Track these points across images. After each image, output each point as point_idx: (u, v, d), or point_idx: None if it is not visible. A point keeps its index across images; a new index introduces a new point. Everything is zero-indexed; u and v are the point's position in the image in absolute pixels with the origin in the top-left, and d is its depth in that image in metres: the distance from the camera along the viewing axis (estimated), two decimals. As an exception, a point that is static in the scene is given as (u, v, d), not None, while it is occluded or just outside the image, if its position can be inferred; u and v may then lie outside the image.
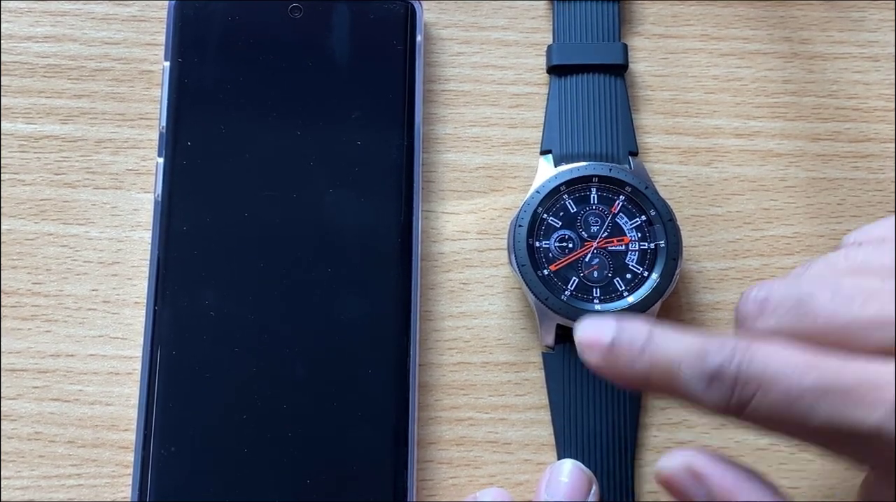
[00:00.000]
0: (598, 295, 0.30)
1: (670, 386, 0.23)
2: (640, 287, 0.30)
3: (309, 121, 0.31)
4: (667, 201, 0.31)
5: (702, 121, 0.33)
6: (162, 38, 0.33)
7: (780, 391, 0.21)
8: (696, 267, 0.32)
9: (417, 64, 0.32)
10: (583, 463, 0.29)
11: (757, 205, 0.32)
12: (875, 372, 0.21)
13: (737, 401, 0.22)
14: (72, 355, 0.31)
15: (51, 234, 0.32)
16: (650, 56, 0.34)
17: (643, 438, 0.30)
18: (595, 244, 0.30)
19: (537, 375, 0.31)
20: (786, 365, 0.21)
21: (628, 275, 0.30)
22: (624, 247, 0.30)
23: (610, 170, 0.31)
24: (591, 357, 0.24)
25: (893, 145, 0.33)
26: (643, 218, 0.31)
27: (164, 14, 0.32)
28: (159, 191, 0.30)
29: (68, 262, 0.31)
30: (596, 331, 0.24)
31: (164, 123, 0.31)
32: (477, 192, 0.33)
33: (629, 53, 0.33)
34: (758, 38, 0.34)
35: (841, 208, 0.32)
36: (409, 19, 0.32)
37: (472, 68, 0.34)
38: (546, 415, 0.31)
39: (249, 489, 0.28)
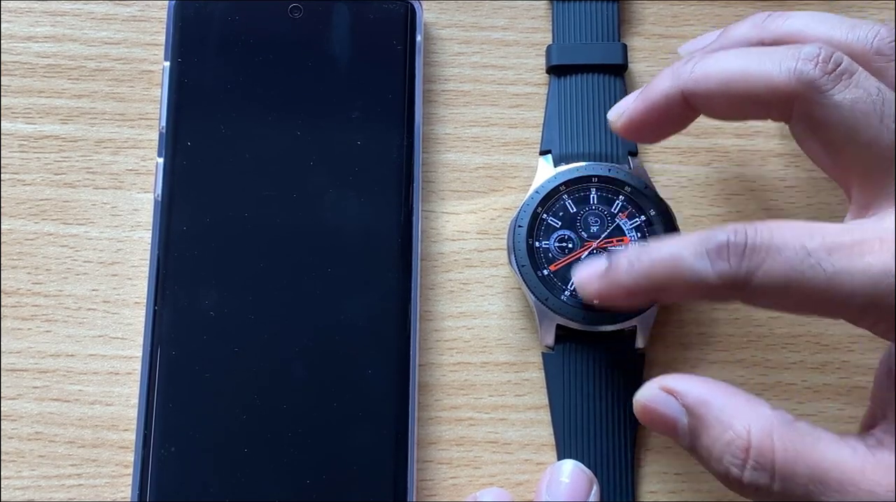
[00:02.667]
0: (598, 295, 0.30)
1: (674, 275, 0.24)
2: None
3: (309, 121, 0.31)
4: (667, 201, 0.31)
5: (702, 121, 0.33)
6: (162, 38, 0.33)
7: (789, 254, 0.22)
8: (695, 267, 0.32)
9: (417, 64, 0.32)
10: (583, 463, 0.29)
11: (757, 205, 0.32)
12: (875, 231, 0.22)
13: (745, 271, 0.23)
14: (72, 355, 0.31)
15: (51, 234, 0.32)
16: (650, 56, 0.34)
17: (643, 438, 0.30)
18: (595, 244, 0.30)
19: (537, 375, 0.31)
20: (792, 231, 0.23)
21: (628, 275, 0.30)
22: (624, 247, 0.30)
23: (609, 170, 0.31)
24: (590, 287, 0.26)
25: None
26: (643, 218, 0.31)
27: (164, 14, 0.32)
28: (159, 191, 0.30)
29: (68, 262, 0.31)
30: (590, 266, 0.26)
31: (164, 123, 0.31)
32: (477, 192, 0.33)
33: (629, 53, 0.33)
34: (758, 38, 0.34)
35: (841, 208, 0.32)
36: (408, 19, 0.32)
37: (472, 68, 0.34)
38: (546, 415, 0.31)
39: (249, 489, 0.28)
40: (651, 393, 0.25)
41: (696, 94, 0.26)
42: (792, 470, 0.22)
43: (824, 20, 0.26)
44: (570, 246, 0.30)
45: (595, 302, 0.26)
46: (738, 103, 0.25)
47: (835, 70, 0.24)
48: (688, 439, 0.24)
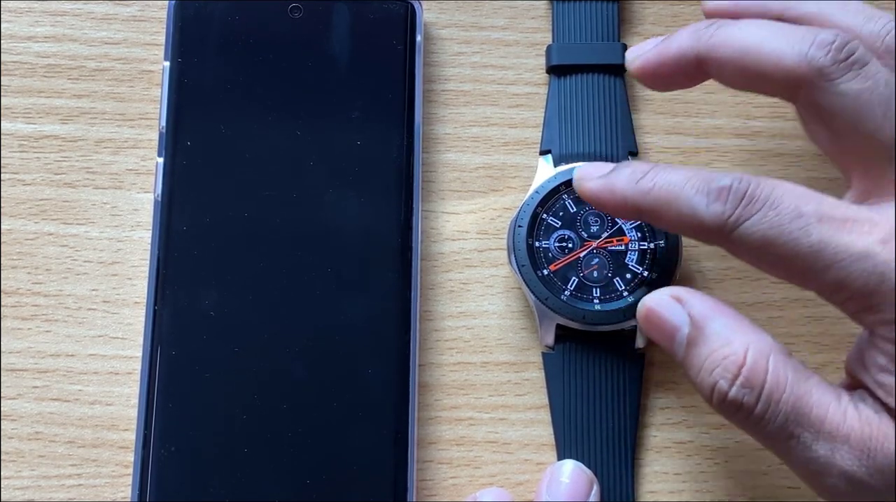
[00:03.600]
0: (598, 295, 0.30)
1: (670, 203, 0.24)
2: (640, 287, 0.30)
3: (309, 121, 0.31)
4: (667, 201, 0.31)
5: (702, 121, 0.33)
6: (162, 38, 0.33)
7: (783, 211, 0.23)
8: (695, 267, 0.32)
9: (417, 64, 0.32)
10: (583, 463, 0.29)
11: (757, 205, 0.32)
12: (869, 213, 0.23)
13: (737, 217, 0.23)
14: (72, 355, 0.31)
15: (51, 234, 0.32)
16: (650, 56, 0.34)
17: (643, 438, 0.30)
18: (595, 244, 0.30)
19: (537, 375, 0.31)
20: (791, 192, 0.23)
21: (628, 275, 0.30)
22: (624, 247, 0.30)
23: (610, 170, 0.31)
24: (587, 184, 0.26)
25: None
26: (643, 218, 0.31)
27: (164, 14, 0.32)
28: (159, 191, 0.30)
29: (68, 262, 0.31)
30: (595, 166, 0.27)
31: (164, 123, 0.31)
32: (477, 192, 0.33)
33: (629, 53, 0.33)
34: (758, 38, 0.34)
35: (841, 208, 0.32)
36: (408, 19, 0.32)
37: (472, 68, 0.34)
38: (546, 415, 0.31)
39: (249, 489, 0.28)
40: (659, 298, 0.25)
41: (709, 60, 0.26)
42: (778, 396, 0.23)
43: (845, 7, 0.26)
44: (570, 246, 0.30)
45: (585, 199, 0.27)
46: (748, 77, 0.25)
47: (846, 59, 0.24)
48: (683, 349, 0.24)
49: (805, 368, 0.24)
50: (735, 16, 0.27)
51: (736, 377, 0.23)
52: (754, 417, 0.23)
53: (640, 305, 0.25)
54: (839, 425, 0.23)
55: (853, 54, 0.24)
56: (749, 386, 0.23)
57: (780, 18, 0.27)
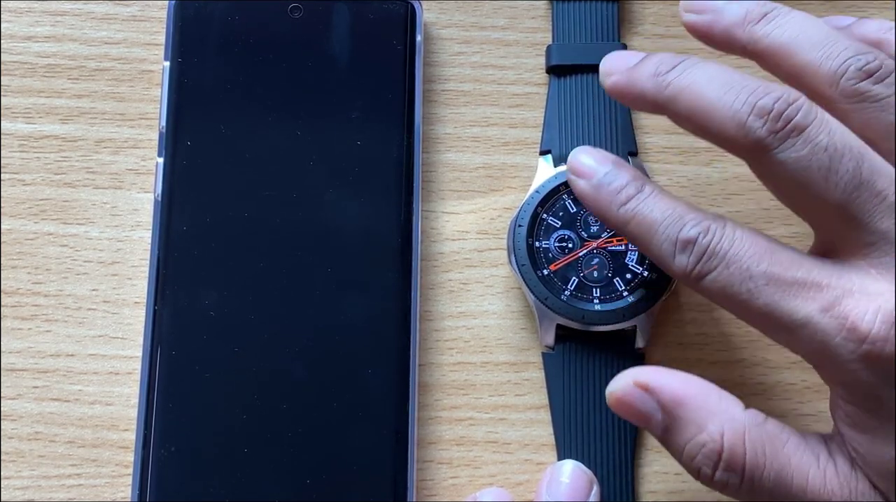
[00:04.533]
0: (598, 295, 0.30)
1: (645, 241, 0.25)
2: (640, 287, 0.30)
3: (309, 121, 0.31)
4: (667, 201, 0.31)
5: (702, 121, 0.33)
6: (162, 38, 0.33)
7: (735, 271, 0.24)
8: (696, 267, 0.32)
9: (417, 64, 0.32)
10: (583, 463, 0.29)
11: (757, 205, 0.32)
12: (819, 274, 0.23)
13: (698, 272, 0.24)
14: (72, 355, 0.31)
15: (51, 234, 0.32)
16: (650, 56, 0.34)
17: (643, 438, 0.30)
18: (595, 244, 0.30)
19: (537, 375, 0.31)
20: (747, 249, 0.24)
21: (628, 275, 0.30)
22: (623, 246, 0.30)
23: (610, 170, 0.31)
24: (580, 185, 0.26)
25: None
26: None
27: (164, 14, 0.32)
28: (159, 191, 0.30)
29: (68, 262, 0.31)
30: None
31: (164, 123, 0.31)
32: (477, 192, 0.33)
33: (629, 53, 0.33)
34: (758, 38, 0.34)
35: (841, 208, 0.32)
36: (408, 19, 0.32)
37: (472, 68, 0.34)
38: (546, 415, 0.31)
39: (249, 489, 0.28)
40: (625, 388, 0.25)
41: (665, 111, 0.26)
42: (760, 473, 0.23)
43: (810, 38, 0.25)
44: (570, 246, 0.30)
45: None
46: (701, 135, 0.25)
47: (784, 128, 0.23)
48: (660, 432, 0.25)
49: (782, 429, 0.24)
50: (706, 36, 0.27)
51: (717, 463, 0.24)
52: (742, 493, 0.24)
53: (607, 393, 0.25)
54: (820, 489, 0.23)
55: (792, 120, 0.23)
56: (731, 470, 0.24)
57: (744, 51, 0.26)
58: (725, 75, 0.25)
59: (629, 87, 0.26)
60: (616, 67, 0.27)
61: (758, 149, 0.24)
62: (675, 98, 0.25)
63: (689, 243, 0.24)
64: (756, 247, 0.24)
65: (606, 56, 0.27)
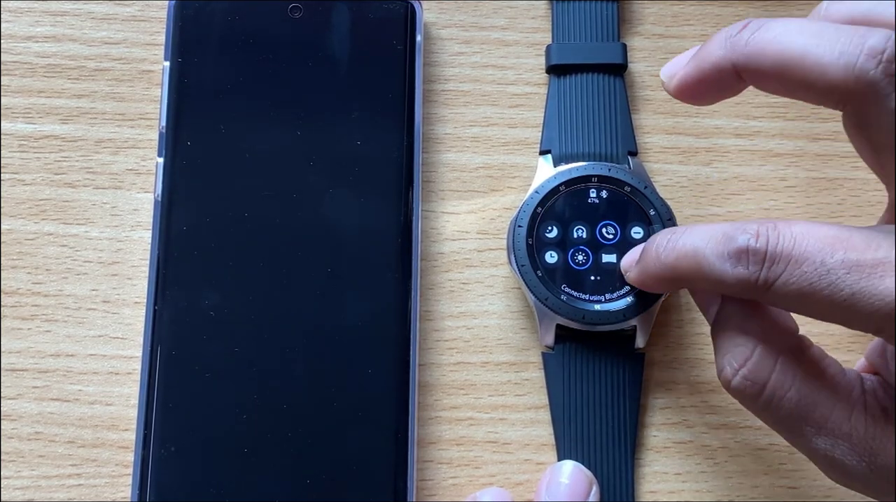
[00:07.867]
0: (598, 295, 0.30)
1: (696, 272, 0.24)
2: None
3: (309, 121, 0.31)
4: (667, 201, 0.31)
5: (702, 121, 0.33)
6: (162, 38, 0.33)
7: (808, 268, 0.22)
8: (695, 267, 0.32)
9: (417, 64, 0.32)
10: (583, 463, 0.29)
11: (757, 205, 0.32)
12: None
13: (764, 279, 0.23)
14: (72, 355, 0.31)
15: (51, 234, 0.32)
16: (650, 56, 0.34)
17: (643, 438, 0.30)
18: (595, 244, 0.30)
19: (537, 375, 0.31)
20: (814, 242, 0.22)
21: (628, 275, 0.30)
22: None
23: (609, 169, 0.31)
24: (628, 275, 0.28)
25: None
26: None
27: (164, 14, 0.32)
28: (159, 191, 0.30)
29: (68, 262, 0.31)
30: (631, 254, 0.28)
31: (164, 123, 0.31)
32: (477, 192, 0.33)
33: (629, 53, 0.33)
34: (758, 38, 0.34)
35: (841, 208, 0.32)
36: (408, 19, 0.32)
37: (472, 68, 0.34)
38: (546, 415, 0.31)
39: (249, 489, 0.28)
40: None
41: (747, 70, 0.24)
42: (782, 393, 0.23)
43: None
44: (570, 246, 0.30)
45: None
46: (790, 88, 0.24)
47: None
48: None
49: (823, 360, 0.24)
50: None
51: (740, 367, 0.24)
52: (760, 404, 0.24)
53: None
54: (842, 424, 0.23)
55: None
56: (751, 380, 0.24)
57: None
58: (810, 23, 0.23)
59: (699, 68, 0.25)
60: (673, 69, 0.26)
61: (868, 94, 0.22)
62: (761, 52, 0.23)
63: (742, 252, 0.23)
64: (822, 238, 0.22)
65: (661, 71, 0.27)
